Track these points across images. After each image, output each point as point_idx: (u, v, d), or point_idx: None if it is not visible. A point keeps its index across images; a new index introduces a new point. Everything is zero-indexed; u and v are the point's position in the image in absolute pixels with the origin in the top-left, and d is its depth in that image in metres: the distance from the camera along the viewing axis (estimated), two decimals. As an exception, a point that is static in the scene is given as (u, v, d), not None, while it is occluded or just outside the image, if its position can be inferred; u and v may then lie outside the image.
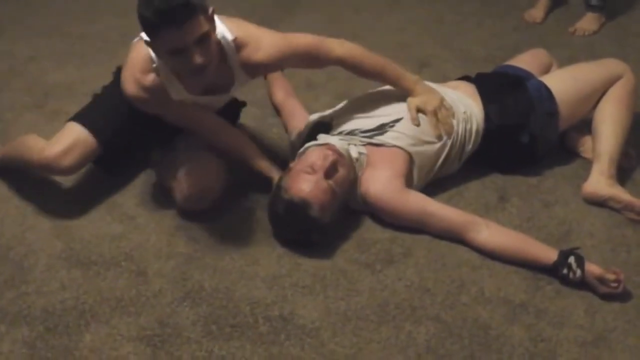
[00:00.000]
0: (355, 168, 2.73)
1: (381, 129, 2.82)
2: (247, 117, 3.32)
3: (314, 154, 2.67)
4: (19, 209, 2.87)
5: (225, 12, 2.67)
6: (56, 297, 2.47)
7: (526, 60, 3.26)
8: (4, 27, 4.30)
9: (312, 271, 2.56)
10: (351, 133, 2.84)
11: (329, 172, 2.60)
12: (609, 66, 3.05)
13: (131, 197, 2.91)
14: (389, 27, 4.36)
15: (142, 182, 3.00)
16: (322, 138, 2.79)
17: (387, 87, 2.98)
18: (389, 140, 2.78)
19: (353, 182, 2.71)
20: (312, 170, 2.60)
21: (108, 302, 2.45)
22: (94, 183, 2.98)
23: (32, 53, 4.00)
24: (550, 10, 4.51)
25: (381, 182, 2.70)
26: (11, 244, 2.69)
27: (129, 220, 2.80)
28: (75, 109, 3.40)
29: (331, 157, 2.63)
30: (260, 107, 3.45)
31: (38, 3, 4.64)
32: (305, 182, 2.58)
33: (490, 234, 2.61)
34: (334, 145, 2.71)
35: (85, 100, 3.48)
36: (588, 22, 4.34)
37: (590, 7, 4.37)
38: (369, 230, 2.74)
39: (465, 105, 2.91)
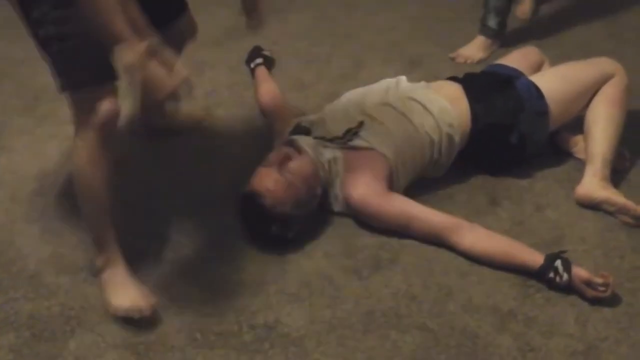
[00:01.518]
0: (325, 166, 2.76)
1: (349, 133, 2.82)
2: (235, 118, 3.31)
3: (274, 151, 2.73)
4: (9, 213, 2.86)
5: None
6: (43, 303, 2.45)
7: (517, 59, 3.23)
8: (-2, 30, 4.27)
9: (298, 277, 2.54)
10: (324, 138, 2.84)
11: (282, 164, 2.63)
12: (601, 65, 3.02)
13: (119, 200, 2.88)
14: (381, 25, 4.32)
15: (130, 185, 2.98)
16: (299, 139, 2.80)
17: (358, 90, 3.01)
18: (362, 144, 2.77)
19: (314, 175, 2.71)
20: (269, 164, 2.65)
21: (94, 308, 2.43)
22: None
23: (23, 56, 3.97)
24: (537, 4, 4.37)
25: (363, 186, 2.69)
26: (0, 249, 2.68)
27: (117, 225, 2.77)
28: (66, 112, 3.39)
29: (284, 149, 2.67)
30: (248, 109, 3.46)
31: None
32: (259, 175, 2.64)
33: (475, 237, 2.59)
34: (295, 140, 2.75)
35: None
36: (475, 48, 3.93)
37: (484, 29, 3.96)
38: (356, 235, 2.71)
39: (445, 113, 2.88)
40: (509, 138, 2.90)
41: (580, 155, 3.04)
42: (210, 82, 3.71)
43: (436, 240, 2.64)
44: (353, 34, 4.04)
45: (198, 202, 2.90)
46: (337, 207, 2.80)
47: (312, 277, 2.54)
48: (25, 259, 2.64)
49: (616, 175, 2.92)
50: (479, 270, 2.55)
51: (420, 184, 2.89)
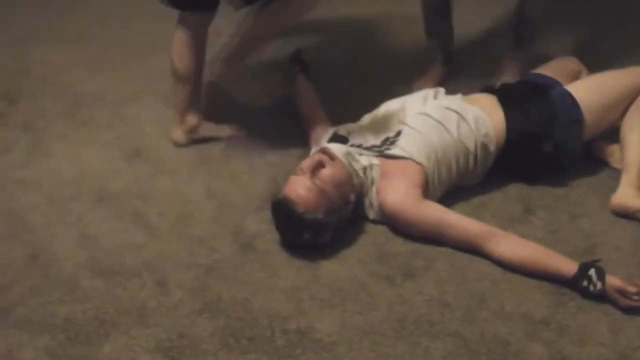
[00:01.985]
0: (359, 174, 2.76)
1: (386, 142, 2.83)
2: (274, 127, 3.33)
3: (307, 159, 2.73)
4: (46, 217, 2.89)
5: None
6: (78, 307, 2.48)
7: (554, 68, 3.21)
8: (38, 36, 4.33)
9: (331, 284, 2.54)
10: (361, 146, 2.86)
11: (314, 171, 2.64)
12: (637, 74, 3.00)
13: (154, 206, 2.93)
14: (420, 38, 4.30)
15: (165, 191, 3.02)
16: (332, 147, 2.81)
17: (397, 100, 3.02)
18: (399, 152, 2.77)
19: (347, 182, 2.71)
20: (301, 171, 2.67)
21: (128, 312, 2.46)
22: (119, 192, 3.01)
23: (64, 61, 4.02)
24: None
25: (398, 192, 2.69)
26: (38, 252, 2.71)
27: (151, 230, 2.81)
28: (105, 117, 3.48)
29: (317, 156, 2.68)
30: (287, 117, 3.44)
31: (72, 9, 4.66)
32: (291, 183, 2.66)
33: (509, 245, 2.58)
34: (327, 148, 2.76)
35: (116, 108, 3.55)
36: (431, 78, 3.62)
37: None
38: (390, 242, 2.72)
39: (480, 122, 2.88)
40: (544, 147, 2.89)
41: (616, 165, 3.02)
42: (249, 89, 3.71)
43: (470, 248, 2.64)
44: (390, 44, 4.04)
45: (231, 208, 2.92)
46: (371, 214, 2.80)
47: (345, 283, 2.54)
48: (62, 262, 2.66)
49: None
50: (512, 278, 2.54)
51: (454, 192, 2.89)
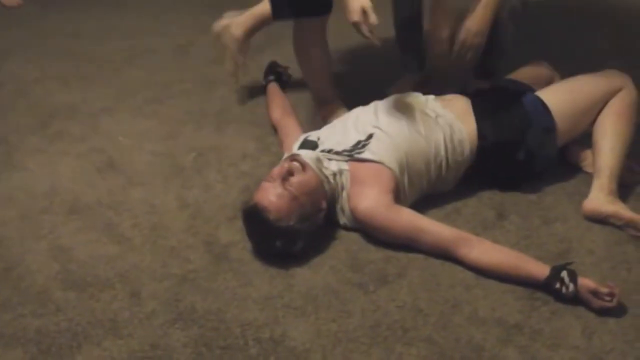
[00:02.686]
0: (330, 180, 2.76)
1: (357, 145, 2.82)
2: (246, 136, 3.34)
3: (277, 166, 2.73)
4: (18, 230, 2.88)
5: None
6: (51, 319, 2.46)
7: (526, 74, 3.22)
8: (14, 51, 4.33)
9: (305, 292, 2.54)
10: (331, 151, 2.85)
11: (285, 179, 2.64)
12: (609, 78, 3.00)
13: (127, 218, 2.91)
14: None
15: (138, 202, 3.00)
16: (302, 153, 2.80)
17: (369, 105, 3.02)
18: (369, 156, 2.77)
19: (318, 189, 2.71)
20: (272, 179, 2.66)
21: (101, 323, 2.44)
22: (92, 204, 3.00)
23: (38, 75, 4.02)
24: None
25: (369, 198, 2.69)
26: (10, 266, 2.69)
27: (124, 241, 2.80)
28: (79, 130, 3.47)
29: (287, 164, 2.68)
30: (259, 126, 3.47)
31: (49, 27, 4.68)
32: (262, 190, 2.65)
33: (482, 250, 2.58)
34: (297, 155, 2.75)
35: (89, 121, 3.54)
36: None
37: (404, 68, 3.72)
38: (363, 249, 2.71)
39: (454, 128, 2.89)
40: (516, 155, 2.89)
41: (589, 169, 3.03)
42: (222, 100, 3.72)
43: (443, 254, 2.64)
44: (364, 51, 4.04)
45: (204, 218, 2.91)
46: (343, 220, 2.80)
47: (319, 291, 2.54)
48: (34, 275, 2.65)
49: (624, 189, 2.91)
50: (485, 283, 2.54)
51: (427, 198, 2.88)
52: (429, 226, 2.66)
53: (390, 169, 2.74)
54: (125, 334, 2.40)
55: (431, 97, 3.04)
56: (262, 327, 2.41)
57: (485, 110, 2.94)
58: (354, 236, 2.77)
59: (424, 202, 2.86)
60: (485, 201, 2.93)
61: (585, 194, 2.87)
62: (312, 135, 2.97)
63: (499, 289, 2.52)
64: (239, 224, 2.75)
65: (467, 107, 2.96)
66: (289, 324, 2.42)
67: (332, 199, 2.78)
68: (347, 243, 2.75)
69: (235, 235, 2.78)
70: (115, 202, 3.00)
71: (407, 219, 2.67)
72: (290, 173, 2.66)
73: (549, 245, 2.71)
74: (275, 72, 3.69)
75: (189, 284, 2.59)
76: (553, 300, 2.46)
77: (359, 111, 3.01)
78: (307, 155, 2.78)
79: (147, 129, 3.49)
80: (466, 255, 2.58)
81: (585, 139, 3.03)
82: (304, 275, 2.61)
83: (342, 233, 2.79)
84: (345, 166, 2.79)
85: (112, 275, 2.63)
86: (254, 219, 2.63)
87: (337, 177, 2.77)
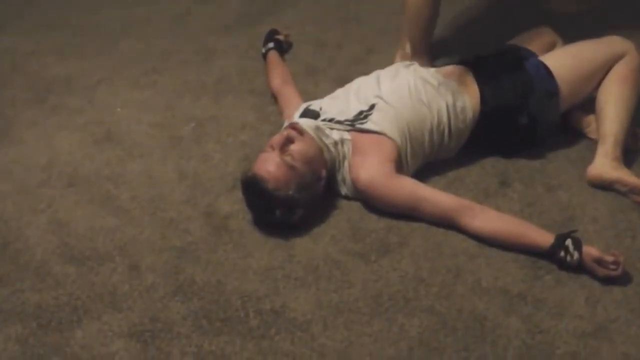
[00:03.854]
0: (330, 149, 2.73)
1: (360, 116, 2.79)
2: (246, 105, 3.30)
3: (277, 135, 2.70)
4: (15, 204, 2.85)
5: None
6: (50, 294, 2.45)
7: (528, 39, 3.18)
8: (6, 23, 4.27)
9: (305, 262, 2.51)
10: (333, 120, 2.81)
11: (284, 147, 2.61)
12: (612, 44, 2.96)
13: (125, 190, 2.89)
14: (393, 9, 4.27)
15: (136, 174, 2.98)
16: (301, 122, 2.77)
17: (371, 74, 2.97)
18: (372, 127, 2.74)
19: (318, 158, 2.68)
20: (271, 148, 2.64)
21: (100, 297, 2.43)
22: (90, 176, 2.97)
23: (33, 47, 3.97)
24: None
25: (371, 168, 2.66)
26: (8, 240, 2.67)
27: (123, 213, 2.77)
28: (75, 102, 3.45)
29: (286, 132, 2.65)
30: (259, 95, 3.43)
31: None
32: (260, 160, 2.63)
33: (485, 218, 2.55)
34: (297, 123, 2.72)
35: (86, 93, 3.51)
36: None
37: None
38: (365, 219, 2.69)
39: (456, 95, 2.85)
40: (519, 119, 2.86)
41: (593, 135, 3.00)
42: (220, 70, 3.68)
43: (446, 223, 2.61)
44: (364, 19, 4.00)
45: (203, 189, 2.88)
46: (344, 190, 2.77)
47: (319, 261, 2.52)
48: (32, 249, 2.63)
49: (629, 155, 2.88)
50: (488, 252, 2.52)
51: (429, 166, 2.86)
52: (431, 195, 2.63)
53: (392, 139, 2.71)
54: (125, 308, 2.38)
55: (432, 69, 3.01)
56: (263, 299, 2.39)
57: (487, 75, 2.91)
58: (355, 206, 2.74)
59: (426, 171, 2.84)
60: (488, 169, 2.90)
61: (589, 161, 2.85)
62: (314, 105, 2.93)
63: (502, 258, 2.50)
64: (239, 194, 2.72)
65: (469, 75, 2.93)
66: (290, 295, 2.40)
67: (333, 168, 2.75)
68: (348, 213, 2.72)
69: (234, 206, 2.76)
70: (114, 174, 2.97)
71: (409, 188, 2.64)
72: (289, 141, 2.63)
73: (552, 213, 2.69)
74: (275, 40, 3.65)
75: (189, 255, 2.57)
76: (557, 269, 2.45)
77: (361, 80, 2.98)
78: (307, 123, 2.74)
79: (145, 99, 3.45)
80: (469, 223, 2.56)
81: (589, 105, 2.99)
82: (304, 246, 2.58)
83: (343, 203, 2.76)
84: (347, 135, 2.76)
85: (111, 248, 2.61)
86: (253, 189, 2.60)
87: (339, 146, 2.74)
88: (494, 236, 2.53)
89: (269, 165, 2.59)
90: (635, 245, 2.54)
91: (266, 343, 2.25)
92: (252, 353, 2.22)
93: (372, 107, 2.80)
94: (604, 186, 2.78)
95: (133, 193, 2.87)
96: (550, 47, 3.18)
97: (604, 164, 2.78)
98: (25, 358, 2.24)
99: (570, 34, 3.24)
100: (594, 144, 2.92)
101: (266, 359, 2.21)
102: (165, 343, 2.26)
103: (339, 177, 2.77)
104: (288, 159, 2.60)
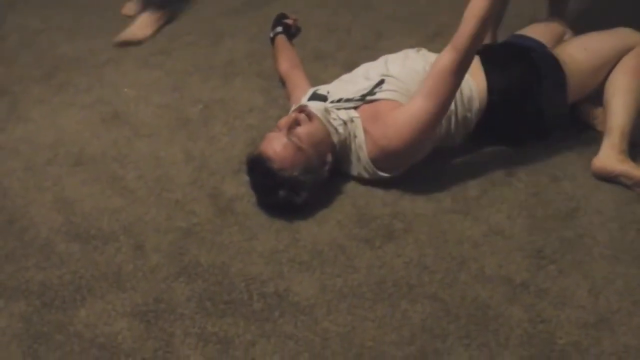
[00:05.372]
0: (338, 131, 2.71)
1: (370, 90, 2.78)
2: (254, 88, 3.30)
3: (285, 117, 2.70)
4: (21, 182, 2.86)
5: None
6: (54, 272, 2.45)
7: (538, 30, 3.16)
8: (15, 1, 4.27)
9: (310, 247, 2.52)
10: (341, 100, 2.80)
11: (291, 129, 2.61)
12: (622, 36, 2.96)
13: (132, 170, 2.89)
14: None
15: (143, 155, 2.98)
16: (310, 105, 2.76)
17: (379, 59, 2.98)
18: (383, 96, 2.73)
19: (324, 141, 2.67)
20: (278, 129, 2.65)
21: (105, 276, 2.43)
22: (96, 155, 2.98)
23: (42, 25, 3.97)
24: None
25: (398, 117, 2.64)
26: (13, 218, 2.68)
27: (129, 193, 2.78)
28: (83, 81, 3.44)
29: (294, 114, 2.65)
30: (267, 79, 3.43)
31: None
32: (267, 140, 2.63)
33: None
34: (305, 106, 2.71)
35: (94, 72, 3.51)
36: (140, 27, 3.80)
37: (149, 5, 3.84)
38: (370, 204, 2.69)
39: (464, 82, 2.82)
40: (526, 109, 2.86)
41: (600, 127, 2.99)
42: (229, 52, 3.68)
43: None
44: (373, 4, 4.00)
45: (209, 171, 2.88)
46: (357, 170, 2.76)
47: (324, 246, 2.52)
48: (37, 227, 2.63)
49: (635, 148, 2.87)
50: (493, 240, 2.53)
51: (436, 155, 2.85)
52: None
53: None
54: (128, 287, 2.39)
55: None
56: (267, 282, 2.40)
57: (495, 65, 2.90)
58: (361, 190, 2.74)
59: (432, 158, 2.82)
60: (494, 158, 2.90)
61: (595, 153, 2.84)
62: (322, 89, 2.93)
63: (506, 247, 2.50)
64: (245, 177, 2.72)
65: (477, 64, 2.91)
66: (294, 279, 2.41)
67: (342, 151, 2.74)
68: (353, 198, 2.72)
69: (240, 189, 2.76)
70: (120, 154, 2.98)
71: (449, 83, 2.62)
72: (297, 123, 2.63)
73: (557, 204, 2.69)
74: (284, 24, 3.65)
75: (194, 237, 2.57)
76: (560, 259, 2.45)
77: (368, 65, 2.98)
78: (315, 106, 2.73)
79: (153, 80, 3.45)
80: None
81: (597, 97, 2.99)
82: (309, 230, 2.59)
83: (349, 187, 2.76)
84: (354, 113, 2.74)
85: (117, 228, 2.62)
86: (258, 168, 2.61)
87: (348, 125, 2.73)
88: None
89: (276, 145, 2.59)
90: (640, 238, 2.54)
91: (269, 326, 2.25)
92: (255, 336, 2.23)
93: (381, 82, 2.79)
94: (609, 178, 2.77)
95: (139, 173, 2.87)
96: (560, 38, 3.17)
97: (610, 156, 2.78)
98: (28, 335, 2.25)
99: (580, 25, 3.23)
100: (600, 136, 2.91)
101: (269, 341, 2.21)
102: (168, 324, 2.27)
103: (353, 157, 2.75)
104: (295, 140, 2.59)
